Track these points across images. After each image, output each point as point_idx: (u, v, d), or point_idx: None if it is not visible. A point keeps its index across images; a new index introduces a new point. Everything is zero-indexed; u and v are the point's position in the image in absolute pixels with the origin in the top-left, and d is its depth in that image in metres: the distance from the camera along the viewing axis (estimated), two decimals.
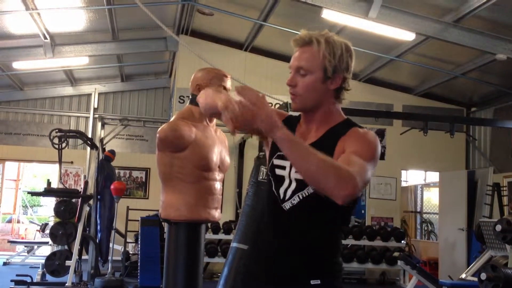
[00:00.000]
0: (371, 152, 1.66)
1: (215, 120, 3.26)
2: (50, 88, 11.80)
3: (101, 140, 9.88)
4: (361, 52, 8.50)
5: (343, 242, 8.68)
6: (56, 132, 7.49)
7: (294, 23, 8.20)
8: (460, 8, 6.74)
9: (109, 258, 7.79)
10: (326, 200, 1.58)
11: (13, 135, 11.64)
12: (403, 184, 11.85)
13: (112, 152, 9.10)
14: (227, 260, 1.73)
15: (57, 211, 7.23)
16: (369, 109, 9.63)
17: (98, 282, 7.19)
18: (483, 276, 5.33)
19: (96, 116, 11.67)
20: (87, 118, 11.98)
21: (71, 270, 6.82)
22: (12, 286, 6.86)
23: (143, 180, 11.80)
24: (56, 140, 7.43)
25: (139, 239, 7.81)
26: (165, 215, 3.08)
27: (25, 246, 10.94)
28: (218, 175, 3.18)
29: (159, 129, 3.04)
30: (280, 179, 1.76)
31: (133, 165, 11.73)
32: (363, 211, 10.29)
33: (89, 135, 10.79)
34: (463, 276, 6.85)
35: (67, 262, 6.88)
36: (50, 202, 13.48)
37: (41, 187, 9.92)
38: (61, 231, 7.08)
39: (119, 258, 8.79)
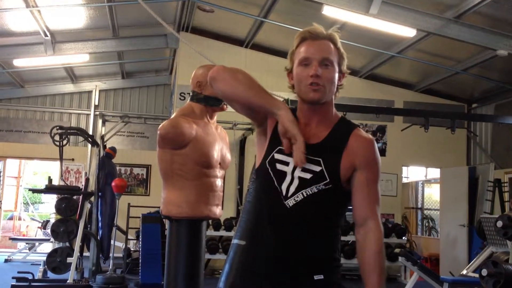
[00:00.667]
0: (379, 169, 1.81)
1: (215, 117, 3.27)
2: (51, 85, 11.80)
3: (102, 137, 9.89)
4: (362, 48, 8.49)
5: (344, 238, 8.69)
6: (57, 129, 7.49)
7: (294, 19, 8.19)
8: (461, 4, 6.72)
9: (111, 255, 7.80)
10: (330, 197, 1.59)
11: (14, 133, 11.64)
12: (404, 180, 11.84)
13: (113, 149, 9.11)
14: (228, 256, 1.73)
15: (58, 208, 7.23)
16: (370, 105, 9.62)
17: (99, 279, 7.20)
18: (484, 272, 5.33)
19: (97, 113, 11.67)
20: (88, 115, 11.99)
21: (73, 267, 6.82)
22: (14, 283, 6.86)
23: (144, 177, 11.81)
24: (57, 137, 7.43)
25: (140, 236, 7.82)
26: (166, 212, 3.09)
27: (26, 243, 10.96)
28: (219, 172, 3.18)
29: (160, 126, 3.04)
30: (282, 175, 1.75)
31: (134, 162, 11.74)
32: None
33: (90, 132, 10.79)
34: (464, 272, 6.86)
35: (69, 259, 6.88)
36: (51, 199, 13.51)
37: (42, 184, 9.94)
38: (62, 228, 7.08)
39: (121, 255, 8.80)
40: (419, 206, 12.57)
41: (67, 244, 7.32)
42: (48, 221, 10.77)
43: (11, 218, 15.59)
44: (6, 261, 10.04)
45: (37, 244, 10.73)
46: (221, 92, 1.83)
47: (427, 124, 7.41)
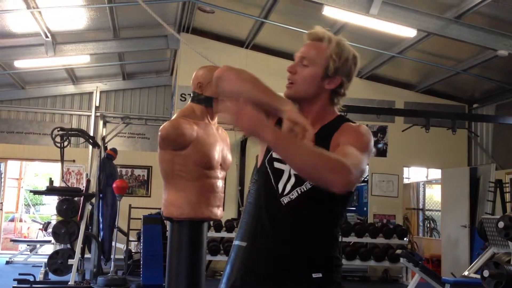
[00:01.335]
0: (365, 143, 1.72)
1: (216, 118, 3.26)
2: (52, 86, 11.80)
3: (103, 138, 9.89)
4: (363, 49, 8.48)
5: (346, 239, 8.69)
6: (58, 131, 7.49)
7: (295, 20, 8.19)
8: (461, 4, 6.72)
9: (112, 256, 7.80)
10: (323, 194, 1.58)
11: (15, 134, 11.65)
12: (405, 181, 11.84)
13: (114, 150, 9.11)
14: (229, 258, 1.73)
15: (60, 209, 7.23)
16: (371, 106, 9.62)
17: (100, 281, 7.20)
18: (486, 273, 5.33)
19: (98, 114, 11.68)
20: (88, 116, 11.99)
21: (74, 268, 6.82)
22: (15, 285, 6.86)
23: (145, 178, 11.80)
24: (58, 139, 7.43)
25: (142, 238, 7.81)
26: (167, 213, 3.08)
27: (27, 245, 10.95)
28: (220, 173, 3.18)
29: (161, 127, 3.04)
30: (279, 173, 1.76)
31: (135, 163, 11.73)
32: (365, 209, 10.29)
33: (91, 134, 10.78)
34: (466, 273, 6.85)
35: (70, 261, 6.88)
36: (52, 201, 13.49)
37: (43, 186, 9.95)
38: (63, 230, 7.08)
39: (122, 257, 8.79)
40: (421, 207, 12.57)
41: (68, 245, 7.32)
42: (49, 223, 10.76)
43: (12, 220, 15.57)
44: (7, 263, 10.04)
45: (38, 245, 10.73)
46: (226, 90, 1.82)
47: (428, 125, 7.42)
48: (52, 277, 7.42)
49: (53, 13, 8.06)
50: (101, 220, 8.25)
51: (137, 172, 11.78)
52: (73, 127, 11.26)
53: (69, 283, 6.78)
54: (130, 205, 8.99)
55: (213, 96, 3.12)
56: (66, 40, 9.15)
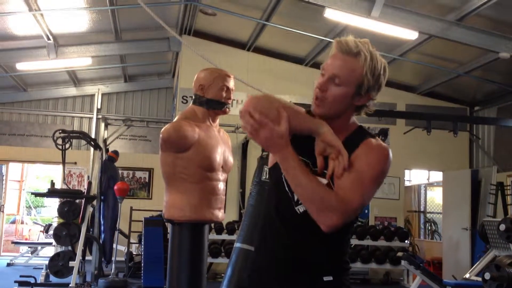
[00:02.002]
0: (378, 172, 1.68)
1: (218, 120, 3.27)
2: (54, 89, 11.82)
3: (105, 140, 9.90)
4: None
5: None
6: (60, 133, 7.50)
7: (296, 22, 8.20)
8: (463, 6, 6.72)
9: (113, 258, 7.80)
10: None
11: (17, 136, 11.66)
12: (407, 183, 11.83)
13: (116, 152, 9.11)
14: (230, 260, 1.73)
15: (61, 212, 7.24)
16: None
17: (101, 283, 7.20)
18: (487, 275, 5.32)
19: (99, 116, 11.68)
20: (90, 118, 12.00)
21: (75, 271, 6.82)
22: (16, 287, 6.87)
23: (147, 180, 11.81)
24: (59, 141, 7.44)
25: (143, 240, 7.82)
26: (168, 215, 3.08)
27: (28, 247, 10.96)
28: (221, 175, 3.17)
29: (162, 129, 3.04)
30: None
31: (137, 166, 11.74)
32: (366, 211, 10.27)
33: (93, 136, 10.80)
34: (467, 276, 6.83)
35: (71, 263, 6.88)
36: (53, 203, 13.50)
37: (44, 188, 9.95)
38: (64, 232, 7.08)
39: (123, 259, 8.80)
40: (422, 209, 12.54)
41: (70, 248, 7.32)
42: (50, 225, 10.78)
43: (13, 222, 15.58)
44: (8, 265, 10.04)
45: (39, 248, 10.74)
46: (270, 116, 1.67)
47: (429, 127, 7.40)
48: (53, 279, 7.42)
49: (55, 16, 8.08)
50: (102, 222, 8.25)
51: (139, 174, 11.79)
52: (74, 129, 11.29)
53: (70, 285, 6.78)
54: (131, 207, 9.00)
55: (215, 98, 3.12)
56: (68, 42, 9.17)
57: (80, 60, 9.56)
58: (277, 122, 1.59)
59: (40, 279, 7.47)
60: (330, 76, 1.68)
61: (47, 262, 7.32)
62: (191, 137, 2.99)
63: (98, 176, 8.14)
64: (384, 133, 10.14)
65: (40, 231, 12.58)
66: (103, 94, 12.05)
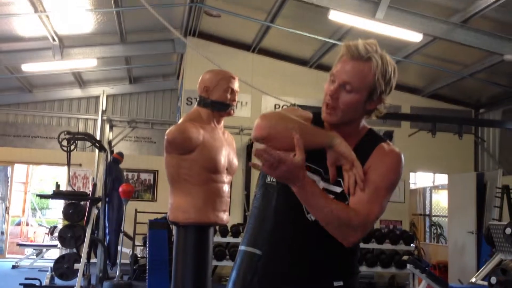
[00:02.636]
0: (392, 181, 1.69)
1: (223, 122, 3.26)
2: (59, 90, 11.85)
3: (109, 142, 9.91)
4: None
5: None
6: (65, 135, 7.51)
7: (301, 24, 8.19)
8: (468, 8, 6.70)
9: (118, 261, 7.81)
10: None
11: (22, 138, 11.69)
12: (412, 186, 11.79)
13: (120, 154, 9.13)
14: (235, 263, 1.72)
15: (66, 213, 7.25)
16: None
17: (106, 286, 7.21)
18: (493, 280, 5.29)
19: (104, 118, 11.70)
20: (95, 120, 12.03)
21: (80, 273, 6.82)
22: None
23: (151, 182, 11.81)
24: (64, 143, 7.45)
25: (148, 242, 7.81)
26: (173, 217, 3.08)
27: (34, 249, 10.97)
28: (226, 178, 3.17)
29: (167, 131, 3.04)
30: None
31: (141, 167, 11.75)
32: None
33: (98, 137, 10.82)
34: (473, 280, 6.79)
35: (76, 265, 6.88)
36: (58, 205, 13.52)
37: (49, 190, 9.97)
38: (69, 234, 7.09)
39: (128, 261, 8.79)
40: (427, 212, 12.50)
41: (74, 250, 7.33)
42: (55, 227, 10.80)
43: (18, 224, 15.60)
44: (13, 267, 10.06)
45: (44, 250, 10.75)
46: (278, 144, 1.63)
47: (434, 130, 7.38)
48: (58, 281, 7.42)
49: (61, 17, 8.10)
50: (107, 224, 8.26)
51: (143, 176, 11.80)
52: (79, 131, 11.30)
53: (74, 287, 6.78)
54: (136, 209, 9.00)
55: (219, 100, 3.12)
56: (73, 44, 9.19)
57: (85, 61, 9.59)
58: (292, 149, 1.53)
59: (45, 281, 7.48)
60: (341, 83, 1.65)
61: (52, 264, 7.33)
62: (195, 139, 2.99)
63: (103, 178, 8.14)
64: (388, 136, 10.09)
65: (45, 233, 12.59)
66: (108, 96, 12.07)
